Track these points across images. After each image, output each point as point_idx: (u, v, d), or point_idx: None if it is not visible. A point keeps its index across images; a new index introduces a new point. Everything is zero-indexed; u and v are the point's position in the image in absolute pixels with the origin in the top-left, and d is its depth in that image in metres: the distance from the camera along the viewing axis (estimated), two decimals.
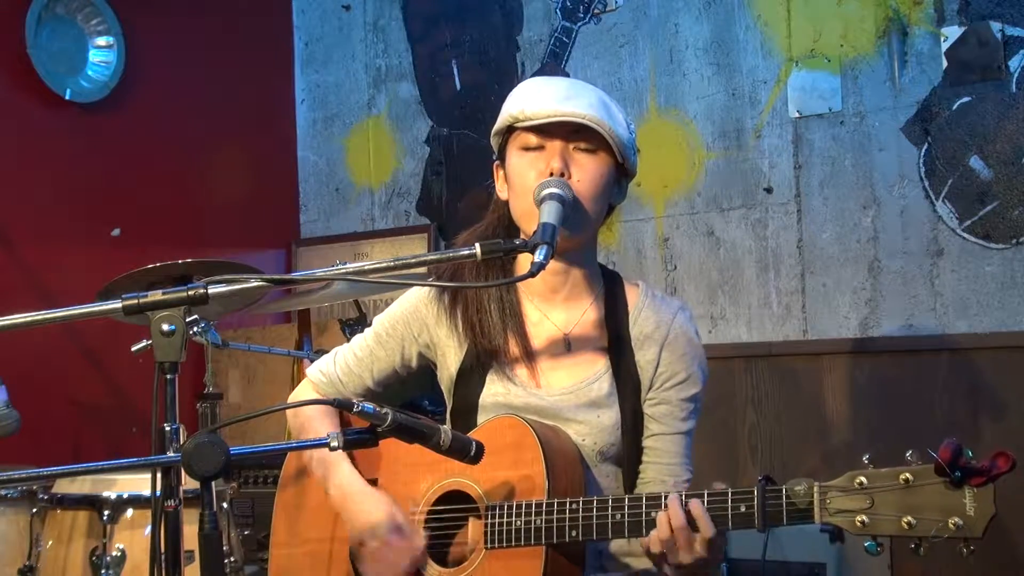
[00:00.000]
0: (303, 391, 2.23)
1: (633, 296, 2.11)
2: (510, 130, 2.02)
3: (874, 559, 3.22)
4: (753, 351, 3.72)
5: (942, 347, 3.44)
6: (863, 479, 1.68)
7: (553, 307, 2.09)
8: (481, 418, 2.06)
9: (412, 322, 2.13)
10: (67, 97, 3.92)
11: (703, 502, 1.78)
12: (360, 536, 2.01)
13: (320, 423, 2.14)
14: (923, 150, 3.49)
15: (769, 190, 3.74)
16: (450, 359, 2.11)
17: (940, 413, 3.41)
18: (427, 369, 2.19)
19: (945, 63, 3.45)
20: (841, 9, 3.64)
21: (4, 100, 3.80)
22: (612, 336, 2.07)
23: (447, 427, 1.77)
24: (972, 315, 3.42)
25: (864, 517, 1.66)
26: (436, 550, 2.00)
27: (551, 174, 1.94)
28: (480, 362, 2.08)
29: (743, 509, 1.76)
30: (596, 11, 4.09)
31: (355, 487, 2.05)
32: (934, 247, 3.47)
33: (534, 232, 1.83)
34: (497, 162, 2.09)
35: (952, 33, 3.44)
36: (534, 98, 1.98)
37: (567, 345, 2.07)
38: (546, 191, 1.89)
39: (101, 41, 4.06)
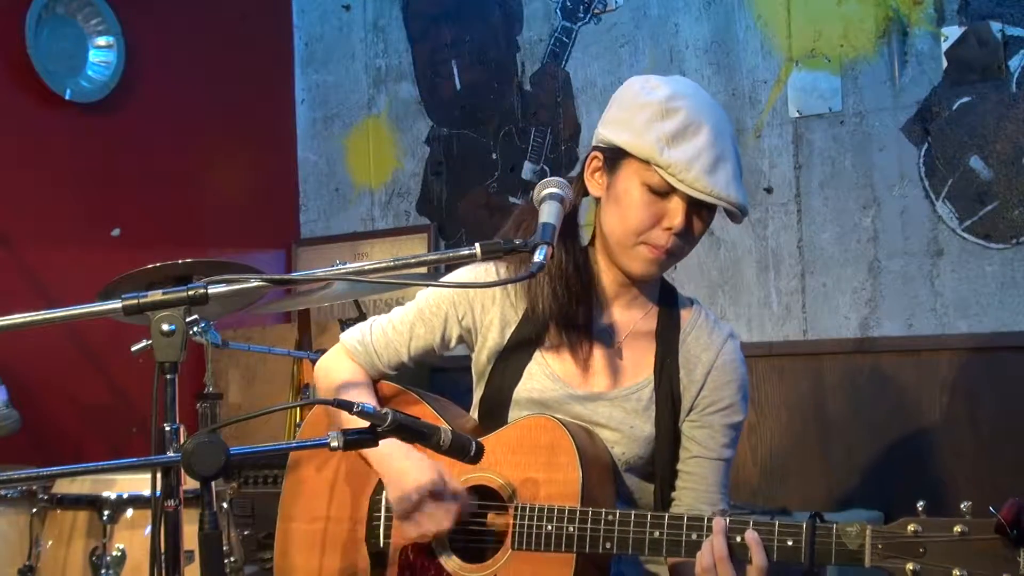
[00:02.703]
0: (336, 357, 2.18)
1: (686, 314, 2.10)
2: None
3: None
4: (753, 351, 3.71)
5: (942, 347, 3.43)
6: (917, 527, 1.66)
7: (609, 308, 2.08)
8: (513, 412, 2.05)
9: (458, 304, 2.10)
10: (67, 97, 3.92)
11: (703, 536, 1.77)
12: (404, 494, 1.96)
13: (355, 392, 2.09)
14: (923, 150, 3.49)
15: (769, 190, 3.74)
16: (489, 344, 2.09)
17: (940, 413, 3.41)
18: (425, 367, 2.18)
19: (945, 63, 3.45)
20: (841, 9, 3.64)
21: (4, 100, 3.80)
22: (660, 350, 2.06)
23: (446, 427, 1.76)
24: (972, 315, 3.41)
25: (915, 565, 1.64)
26: (458, 544, 1.99)
27: (669, 228, 1.92)
28: (521, 353, 2.06)
29: (790, 543, 1.74)
30: (596, 11, 4.09)
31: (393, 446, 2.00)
32: (934, 247, 3.47)
33: (534, 232, 1.83)
34: (599, 156, 2.01)
35: (952, 33, 3.44)
36: (686, 156, 1.89)
37: (618, 351, 2.06)
38: (545, 191, 1.88)
39: (101, 41, 4.06)
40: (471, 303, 2.10)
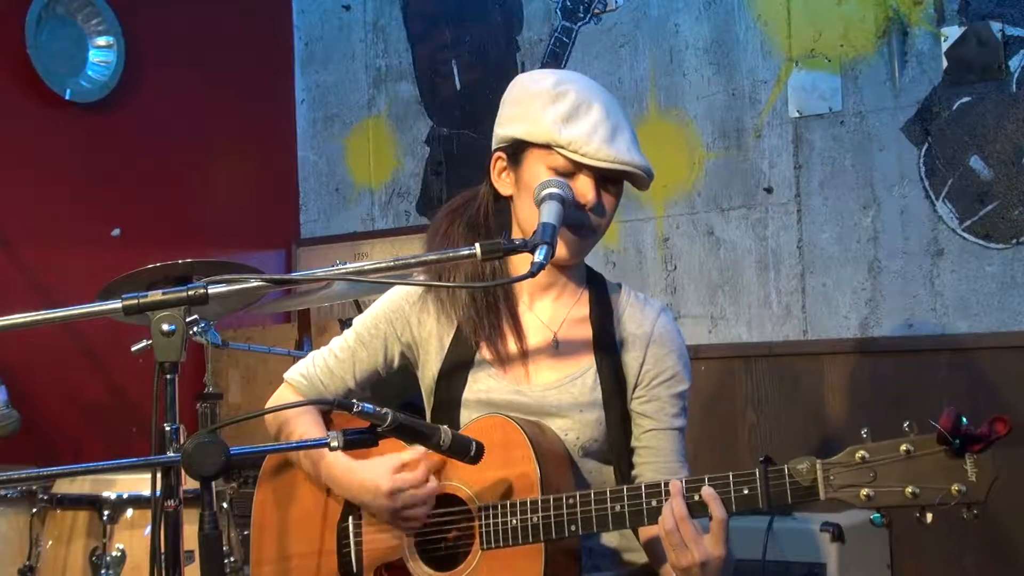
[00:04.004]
0: (281, 395, 2.20)
1: (616, 296, 2.14)
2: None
3: (873, 559, 3.22)
4: (753, 351, 3.72)
5: (942, 347, 3.43)
6: (864, 453, 1.70)
7: (542, 305, 2.11)
8: (464, 415, 2.06)
9: (395, 321, 2.12)
10: (67, 97, 3.92)
11: (662, 501, 1.80)
12: (364, 500, 1.99)
13: (303, 421, 2.12)
14: (923, 150, 3.49)
15: (769, 190, 3.74)
16: (432, 357, 2.11)
17: (940, 413, 3.40)
18: (393, 376, 2.18)
19: (945, 63, 3.45)
20: (841, 9, 3.64)
21: (4, 100, 3.80)
22: (597, 334, 2.08)
23: (446, 427, 1.76)
24: (972, 315, 3.41)
25: (868, 490, 1.69)
26: (428, 554, 1.99)
27: (583, 206, 1.96)
28: (463, 359, 2.08)
29: (746, 492, 1.77)
30: (596, 11, 4.09)
31: (345, 460, 2.03)
32: (934, 247, 3.47)
33: (534, 232, 1.84)
34: (502, 155, 2.07)
35: (952, 33, 3.44)
36: (583, 131, 1.94)
37: (555, 342, 2.08)
38: (546, 191, 1.90)
39: (101, 41, 4.06)
40: (407, 318, 2.12)
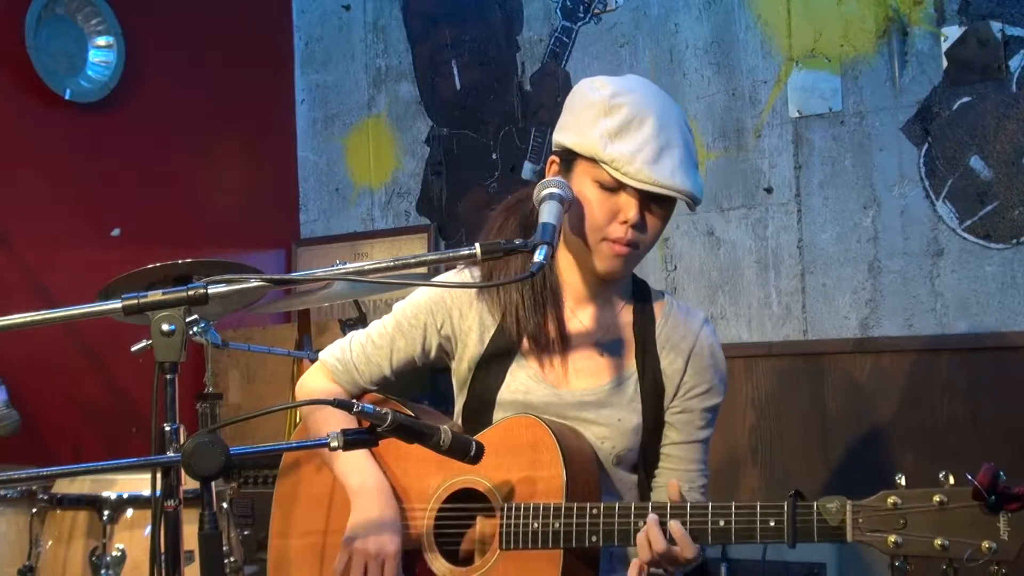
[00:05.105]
0: (315, 376, 2.19)
1: (659, 305, 2.14)
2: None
3: (873, 560, 3.22)
4: (753, 351, 3.72)
5: (942, 347, 3.43)
6: (896, 499, 1.67)
7: (586, 308, 2.10)
8: (497, 415, 2.06)
9: (437, 311, 2.11)
10: (67, 97, 3.92)
11: (686, 522, 1.81)
12: (352, 531, 2.00)
13: (333, 412, 2.11)
14: (923, 150, 3.49)
15: (769, 190, 3.74)
16: (470, 351, 2.10)
17: (940, 413, 3.41)
18: (428, 367, 2.18)
19: (945, 63, 3.45)
20: (841, 9, 3.64)
21: (4, 100, 3.80)
22: (639, 341, 2.09)
23: (447, 427, 1.76)
24: (972, 315, 3.41)
25: (897, 537, 1.66)
26: (447, 548, 1.99)
27: (624, 221, 1.95)
28: (502, 356, 2.07)
29: (772, 524, 1.76)
30: (596, 11, 4.09)
31: (365, 473, 2.04)
32: (934, 247, 3.47)
33: (535, 232, 1.83)
34: (556, 160, 2.05)
35: (952, 33, 3.44)
36: (628, 150, 1.92)
37: (598, 347, 2.08)
38: (546, 191, 1.89)
39: (101, 41, 4.05)
40: (448, 310, 2.11)
